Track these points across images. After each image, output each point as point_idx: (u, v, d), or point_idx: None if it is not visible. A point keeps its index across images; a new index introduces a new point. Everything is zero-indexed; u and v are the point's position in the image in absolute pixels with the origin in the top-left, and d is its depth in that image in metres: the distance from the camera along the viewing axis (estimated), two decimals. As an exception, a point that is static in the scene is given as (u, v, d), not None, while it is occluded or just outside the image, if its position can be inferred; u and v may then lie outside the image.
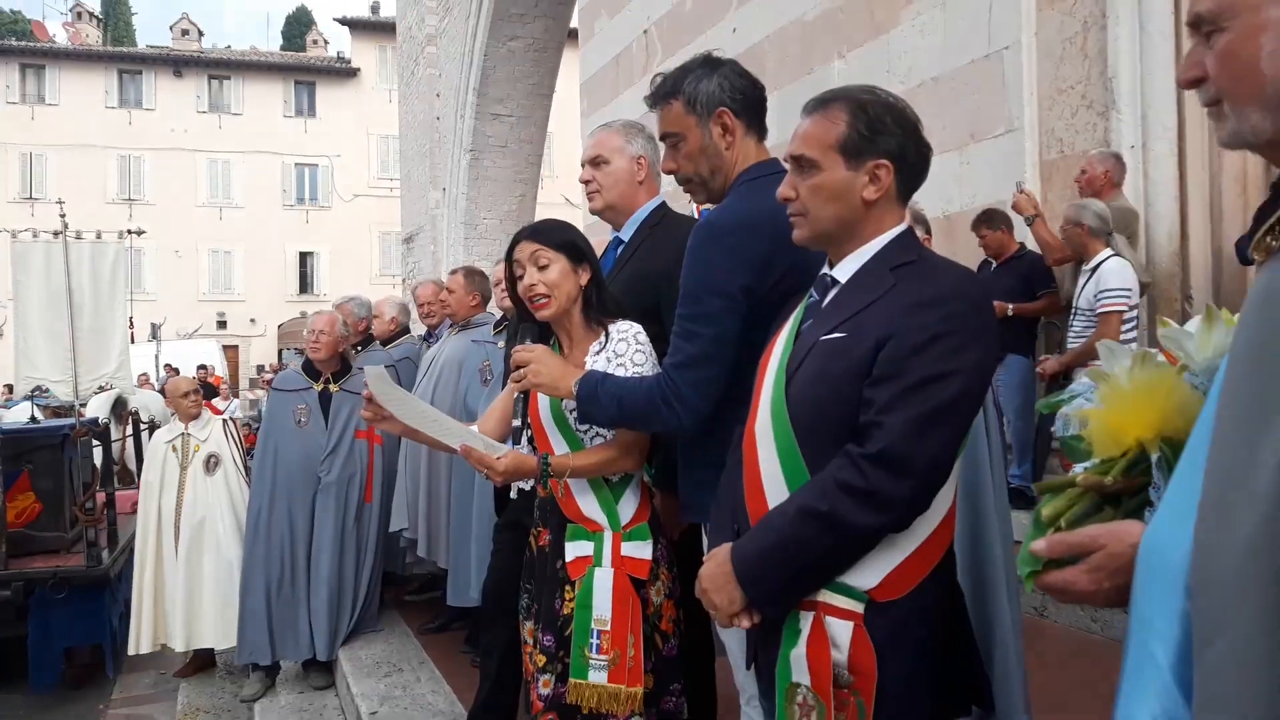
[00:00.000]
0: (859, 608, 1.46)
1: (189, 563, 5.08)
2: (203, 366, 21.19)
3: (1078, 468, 1.18)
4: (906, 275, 1.53)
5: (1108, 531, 1.06)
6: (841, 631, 1.46)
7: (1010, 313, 5.08)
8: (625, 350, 2.07)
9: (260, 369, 26.32)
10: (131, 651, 5.30)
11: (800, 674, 1.48)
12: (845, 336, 1.51)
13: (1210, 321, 1.16)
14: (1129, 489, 1.13)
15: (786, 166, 1.65)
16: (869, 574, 1.47)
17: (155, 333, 21.30)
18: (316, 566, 4.68)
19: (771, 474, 1.55)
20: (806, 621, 1.49)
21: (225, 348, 26.73)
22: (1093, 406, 1.21)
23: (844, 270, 1.61)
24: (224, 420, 5.44)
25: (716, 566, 1.55)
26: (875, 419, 1.43)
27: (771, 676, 1.54)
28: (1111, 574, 1.04)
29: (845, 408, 1.48)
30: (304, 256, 32.56)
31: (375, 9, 34.66)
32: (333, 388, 4.80)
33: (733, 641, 1.94)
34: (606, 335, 2.12)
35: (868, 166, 1.55)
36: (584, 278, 2.14)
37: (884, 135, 1.55)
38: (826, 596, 1.48)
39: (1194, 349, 1.16)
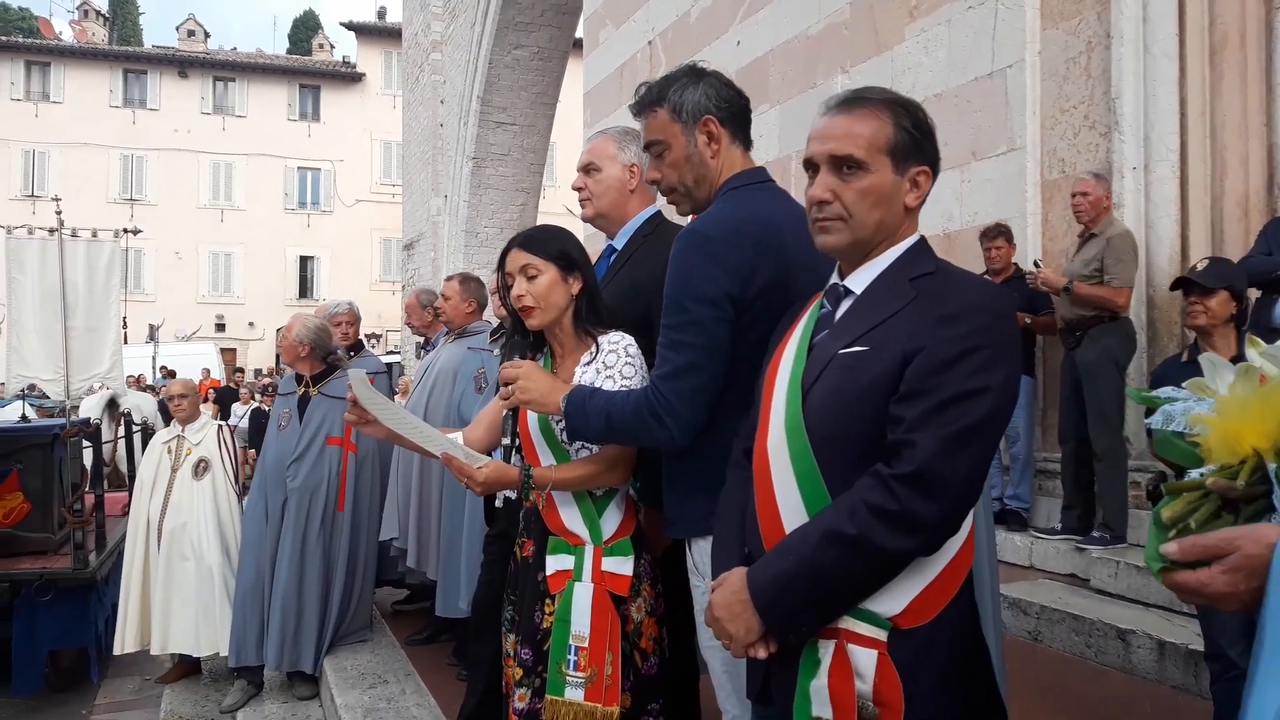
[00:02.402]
0: (883, 635, 1.39)
1: (168, 565, 5.03)
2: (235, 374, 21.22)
3: (1193, 473, 1.16)
4: (927, 287, 1.46)
5: (1244, 534, 1.03)
6: (865, 661, 1.38)
7: (1028, 321, 5.08)
8: (615, 362, 2.04)
9: (258, 372, 26.25)
10: (116, 651, 5.24)
11: (821, 707, 1.40)
12: (867, 350, 1.44)
13: None
14: (1247, 497, 1.11)
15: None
16: (894, 599, 1.40)
17: (153, 334, 21.25)
18: (276, 574, 4.60)
19: (788, 495, 1.47)
20: (827, 651, 1.41)
21: (223, 351, 26.70)
22: (1204, 411, 1.20)
23: (859, 281, 1.54)
24: (219, 426, 5.39)
25: (731, 594, 1.46)
26: (905, 437, 1.36)
27: (788, 709, 1.45)
28: (1248, 576, 1.00)
29: (867, 424, 1.42)
30: (304, 260, 32.54)
31: (382, 14, 34.75)
32: (311, 391, 4.76)
33: (716, 664, 1.89)
34: (597, 346, 2.08)
35: (911, 173, 1.50)
36: (575, 287, 2.10)
37: (929, 141, 1.51)
38: (849, 624, 1.40)
39: None
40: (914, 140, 1.49)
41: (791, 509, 1.47)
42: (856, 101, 1.53)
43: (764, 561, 1.47)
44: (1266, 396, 1.12)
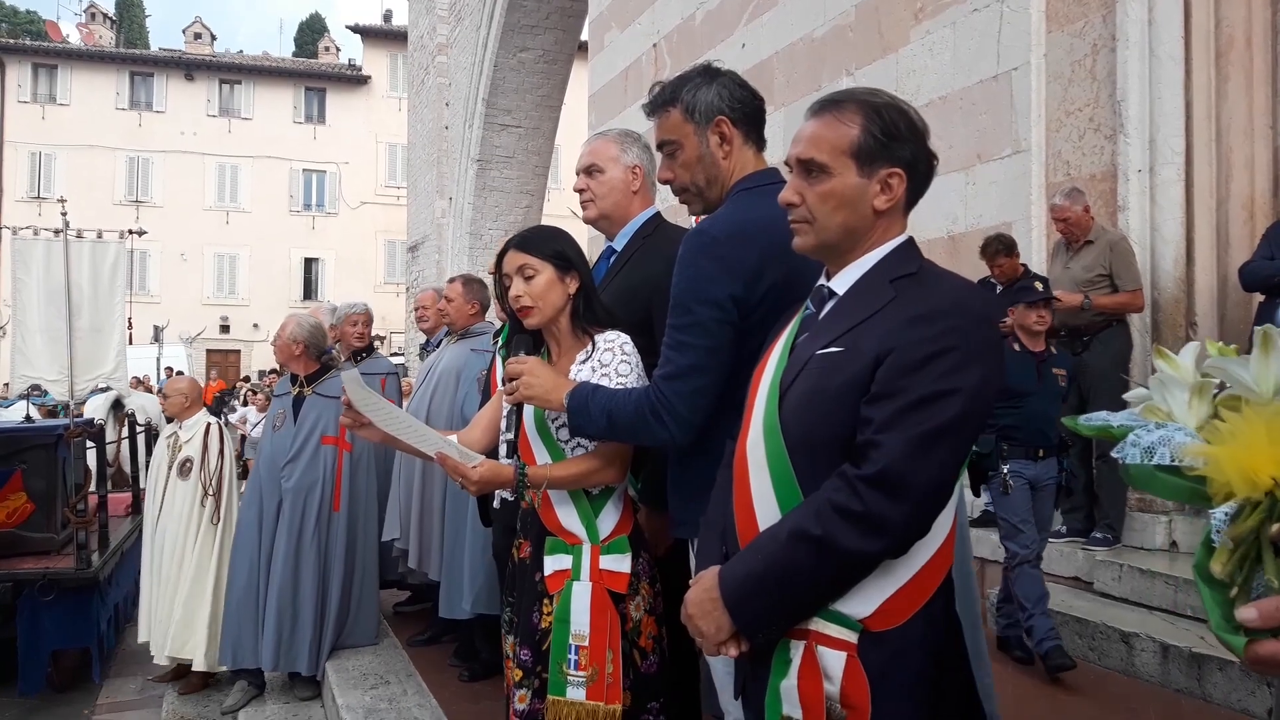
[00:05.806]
0: (853, 637, 1.38)
1: (153, 564, 5.06)
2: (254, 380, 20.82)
3: (1216, 513, 1.04)
4: (906, 287, 1.45)
5: None
6: (834, 662, 1.38)
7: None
8: (610, 360, 2.04)
9: (263, 374, 26.23)
10: (141, 639, 5.26)
11: (791, 707, 1.40)
12: (842, 351, 1.43)
13: (1268, 349, 1.05)
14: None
15: (786, 173, 1.59)
16: (864, 601, 1.39)
17: (158, 335, 21.30)
18: (271, 574, 4.55)
19: (763, 494, 1.48)
20: (797, 651, 1.41)
21: (227, 352, 26.67)
22: (1188, 441, 1.09)
23: (842, 282, 1.53)
24: (209, 424, 5.32)
25: (703, 592, 1.47)
26: (872, 438, 1.35)
27: (760, 708, 1.46)
28: None
29: (840, 425, 1.40)
30: (309, 262, 32.62)
31: (388, 17, 34.85)
32: (306, 391, 4.73)
33: (718, 664, 1.88)
34: (593, 345, 2.08)
35: (880, 175, 1.47)
36: (572, 286, 2.11)
37: (899, 143, 1.47)
38: (819, 625, 1.40)
39: (1252, 379, 1.06)
40: (880, 143, 1.47)
41: (766, 510, 1.47)
42: (830, 105, 1.53)
43: (736, 560, 1.47)
44: (1269, 421, 1.02)
